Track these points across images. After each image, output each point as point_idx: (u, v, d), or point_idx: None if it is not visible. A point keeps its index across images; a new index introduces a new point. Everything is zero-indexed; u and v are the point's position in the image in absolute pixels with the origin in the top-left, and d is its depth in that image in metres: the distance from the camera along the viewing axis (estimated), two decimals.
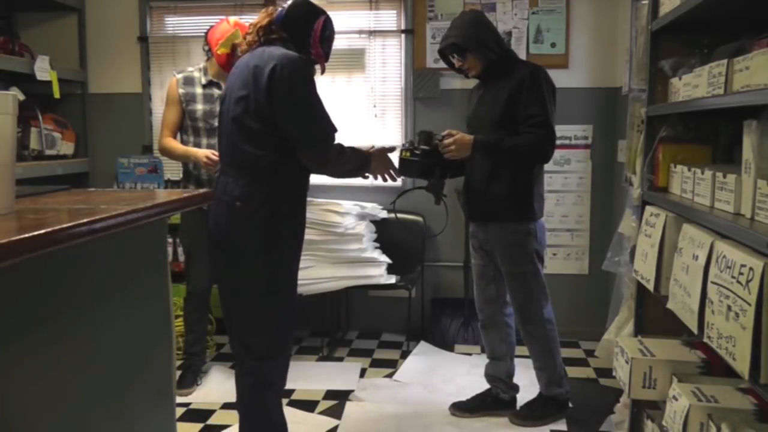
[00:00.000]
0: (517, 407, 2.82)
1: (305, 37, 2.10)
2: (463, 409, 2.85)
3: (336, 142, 2.10)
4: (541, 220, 2.67)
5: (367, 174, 2.27)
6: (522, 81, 2.53)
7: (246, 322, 2.11)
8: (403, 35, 3.84)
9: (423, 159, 2.42)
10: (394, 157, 2.37)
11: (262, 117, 2.00)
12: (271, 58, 2.00)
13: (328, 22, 2.14)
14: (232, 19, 3.03)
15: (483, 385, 2.92)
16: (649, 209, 2.11)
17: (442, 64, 3.75)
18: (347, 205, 3.61)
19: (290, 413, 2.88)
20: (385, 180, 2.32)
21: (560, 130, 3.48)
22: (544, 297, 2.69)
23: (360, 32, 3.90)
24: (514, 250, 2.60)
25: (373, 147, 2.34)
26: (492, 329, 2.80)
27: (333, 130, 2.08)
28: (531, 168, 2.61)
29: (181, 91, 3.04)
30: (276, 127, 2.01)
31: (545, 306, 2.70)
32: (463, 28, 2.59)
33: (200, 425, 2.79)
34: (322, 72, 2.20)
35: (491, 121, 2.59)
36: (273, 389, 2.20)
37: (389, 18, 3.89)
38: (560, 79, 3.43)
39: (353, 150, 2.16)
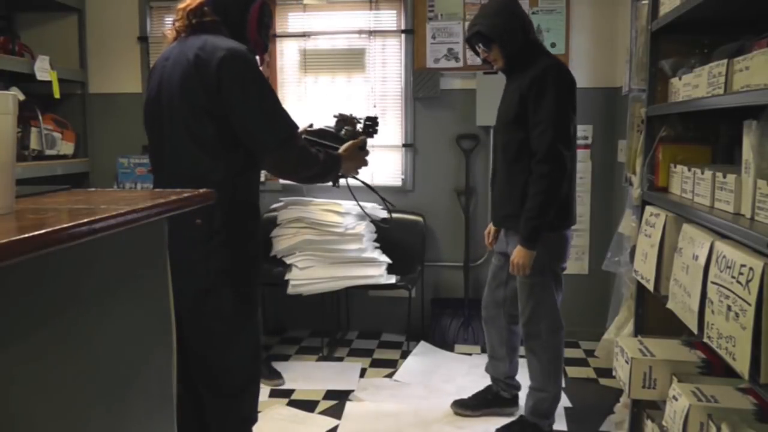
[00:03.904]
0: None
1: (241, 22, 1.86)
2: (464, 406, 2.84)
3: (300, 142, 1.86)
4: (566, 233, 2.52)
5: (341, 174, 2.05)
6: (533, 81, 2.37)
7: (214, 356, 1.83)
8: (403, 35, 3.83)
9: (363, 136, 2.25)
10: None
11: (216, 118, 1.74)
12: (215, 48, 1.73)
13: (265, 8, 1.91)
14: None
15: (482, 386, 2.91)
16: (649, 209, 2.11)
17: (442, 64, 3.80)
18: (347, 205, 3.61)
19: (290, 413, 2.89)
20: (357, 173, 2.10)
21: None
22: (552, 317, 2.52)
23: (360, 32, 3.90)
24: None
25: (311, 125, 2.12)
26: (492, 329, 2.77)
27: (295, 128, 1.84)
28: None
29: None
30: (231, 130, 1.75)
31: (551, 326, 2.52)
32: (489, 16, 2.42)
33: None
34: (261, 63, 1.96)
35: (507, 122, 2.48)
36: (248, 425, 1.94)
37: (389, 18, 3.89)
38: None
39: (323, 152, 1.90)
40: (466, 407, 2.84)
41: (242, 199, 1.83)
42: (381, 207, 3.74)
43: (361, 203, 3.65)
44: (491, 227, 2.78)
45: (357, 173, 2.09)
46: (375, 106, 3.88)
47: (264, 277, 2.48)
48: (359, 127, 2.16)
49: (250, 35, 1.88)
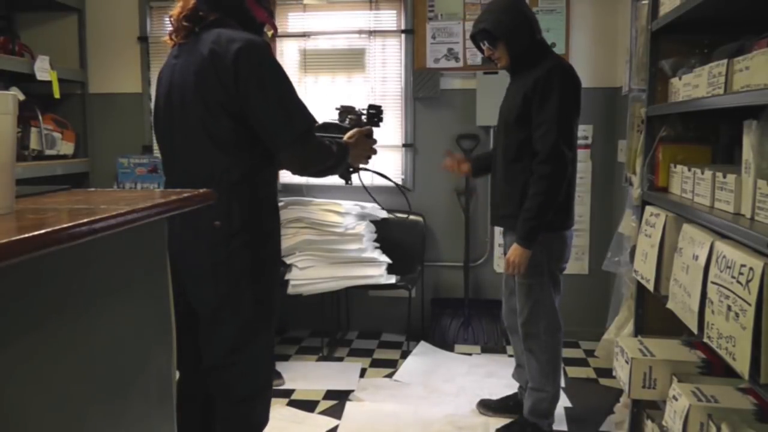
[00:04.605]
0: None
1: (241, 4, 1.79)
2: (487, 407, 2.85)
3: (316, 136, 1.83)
4: (566, 233, 2.50)
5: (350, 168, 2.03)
6: (537, 81, 2.34)
7: (227, 359, 1.80)
8: (403, 35, 3.83)
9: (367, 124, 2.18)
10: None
11: (233, 113, 1.69)
12: (231, 40, 1.67)
13: None
14: None
15: (482, 385, 2.92)
16: (649, 209, 2.11)
17: (442, 64, 3.80)
18: (347, 205, 3.61)
19: (290, 413, 2.89)
20: (367, 162, 2.06)
21: None
22: (550, 318, 2.50)
23: (360, 32, 3.90)
24: None
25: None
26: (515, 337, 2.73)
27: (313, 121, 1.79)
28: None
29: None
30: (249, 125, 1.71)
31: (550, 326, 2.51)
32: (496, 13, 2.39)
33: None
34: (275, 33, 1.94)
35: (509, 122, 2.46)
36: (258, 430, 1.91)
37: (389, 18, 3.89)
38: None
39: (334, 143, 1.87)
40: (488, 408, 2.84)
41: (261, 198, 1.79)
42: (381, 207, 3.74)
43: (362, 203, 3.70)
44: (454, 157, 2.82)
45: (366, 162, 2.05)
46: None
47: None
48: (363, 118, 2.13)
49: (255, 12, 1.81)
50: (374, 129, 2.11)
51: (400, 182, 3.89)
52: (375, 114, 2.15)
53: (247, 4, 1.80)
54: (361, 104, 2.19)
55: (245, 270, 1.75)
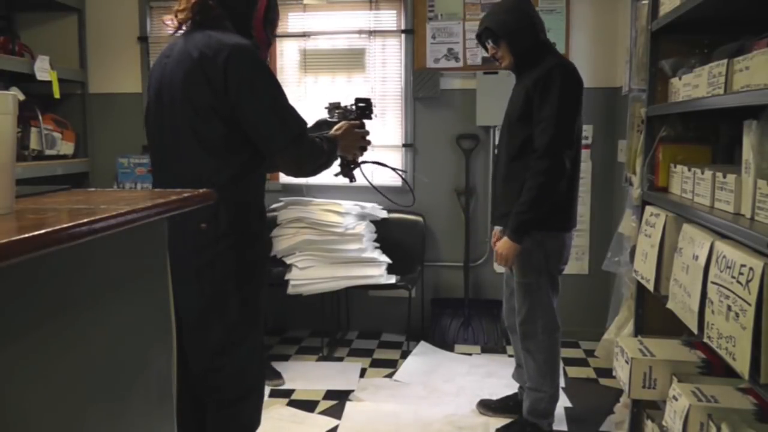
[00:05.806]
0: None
1: (248, 16, 1.80)
2: (487, 407, 2.85)
3: (309, 137, 1.82)
4: (565, 235, 2.51)
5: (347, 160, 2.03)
6: (538, 80, 2.36)
7: (215, 362, 1.79)
8: (403, 35, 3.84)
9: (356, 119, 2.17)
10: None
11: (223, 117, 1.69)
12: (221, 45, 1.67)
13: (273, 3, 1.87)
14: None
15: (483, 386, 2.92)
16: (649, 209, 2.11)
17: (442, 64, 3.80)
18: (347, 205, 3.61)
19: (290, 413, 2.89)
20: (361, 154, 2.05)
21: None
22: (547, 318, 2.50)
23: (360, 32, 3.90)
24: (522, 258, 2.46)
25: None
26: (515, 336, 2.72)
27: (304, 124, 1.79)
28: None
29: None
30: (239, 129, 1.71)
31: (547, 326, 2.52)
32: (500, 13, 2.43)
33: None
34: (263, 60, 1.88)
35: (512, 120, 2.47)
36: (254, 430, 1.90)
37: (389, 18, 3.89)
38: None
39: (322, 139, 1.85)
40: (488, 408, 2.85)
41: (248, 201, 1.79)
42: (381, 207, 3.75)
43: (362, 203, 3.69)
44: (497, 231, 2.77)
45: (360, 154, 2.05)
46: (375, 106, 3.86)
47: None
48: (352, 113, 2.13)
49: (255, 32, 1.82)
50: (368, 122, 2.11)
51: (401, 183, 3.89)
52: (365, 107, 2.14)
53: (253, 22, 1.81)
54: (349, 101, 2.19)
55: (231, 272, 1.74)
